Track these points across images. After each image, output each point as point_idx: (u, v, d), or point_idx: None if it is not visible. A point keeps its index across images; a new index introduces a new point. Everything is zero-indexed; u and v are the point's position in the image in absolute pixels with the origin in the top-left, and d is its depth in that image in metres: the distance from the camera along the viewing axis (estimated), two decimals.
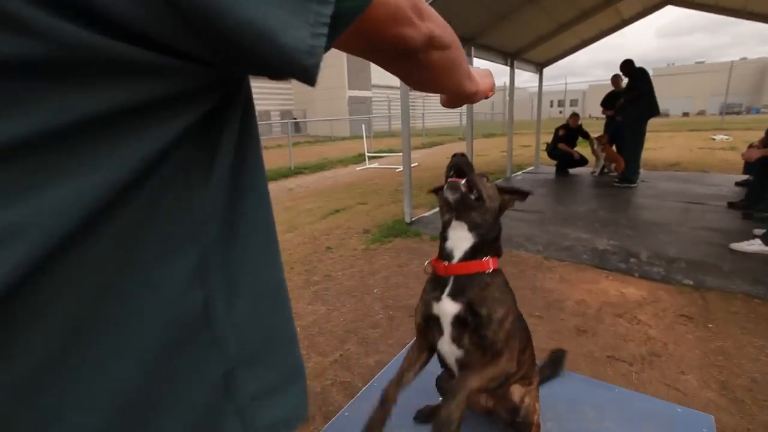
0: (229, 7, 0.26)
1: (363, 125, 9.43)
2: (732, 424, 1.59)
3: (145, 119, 0.28)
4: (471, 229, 0.96)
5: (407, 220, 4.24)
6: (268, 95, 22.92)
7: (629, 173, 5.54)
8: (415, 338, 1.04)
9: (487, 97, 0.88)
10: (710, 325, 2.25)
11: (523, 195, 1.09)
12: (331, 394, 1.86)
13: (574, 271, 2.99)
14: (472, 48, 4.91)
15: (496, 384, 0.95)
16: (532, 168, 7.37)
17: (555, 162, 6.77)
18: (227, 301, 0.37)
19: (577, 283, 2.81)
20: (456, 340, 0.93)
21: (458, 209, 0.96)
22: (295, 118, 22.58)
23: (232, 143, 0.37)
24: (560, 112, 34.76)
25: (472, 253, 0.95)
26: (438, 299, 0.94)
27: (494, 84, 0.87)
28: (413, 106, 26.89)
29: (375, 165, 9.18)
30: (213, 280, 0.36)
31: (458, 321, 0.92)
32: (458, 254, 0.95)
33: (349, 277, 3.13)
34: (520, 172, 6.89)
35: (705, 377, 1.85)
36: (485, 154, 10.71)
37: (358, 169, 9.12)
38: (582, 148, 6.84)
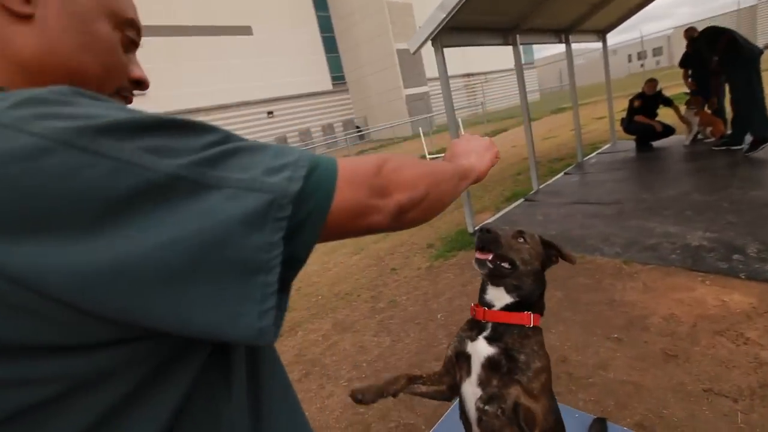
0: (179, 322, 0.30)
1: (420, 128, 9.33)
2: None
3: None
4: (509, 291, 0.96)
5: (470, 230, 4.12)
6: (328, 109, 23.80)
7: (738, 132, 4.73)
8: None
9: (493, 165, 0.85)
10: None
11: (568, 258, 1.06)
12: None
13: (661, 277, 2.65)
14: (518, 36, 4.58)
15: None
16: (608, 146, 6.67)
17: (634, 137, 6.05)
18: None
19: (664, 292, 2.49)
20: (483, 383, 0.90)
21: (491, 279, 0.97)
22: (358, 127, 23.18)
23: (243, 362, 0.44)
24: (641, 65, 30.85)
25: (515, 307, 0.95)
26: (473, 339, 0.94)
27: (497, 152, 0.83)
28: (473, 92, 26.01)
29: None
30: None
31: (490, 364, 0.90)
32: (498, 305, 0.96)
33: (413, 302, 3.13)
34: (593, 154, 6.28)
35: None
36: (553, 135, 9.95)
37: None
38: (667, 116, 6.01)
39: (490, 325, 0.93)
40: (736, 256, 2.61)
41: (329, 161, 0.40)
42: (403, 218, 0.47)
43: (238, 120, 19.95)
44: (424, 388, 0.99)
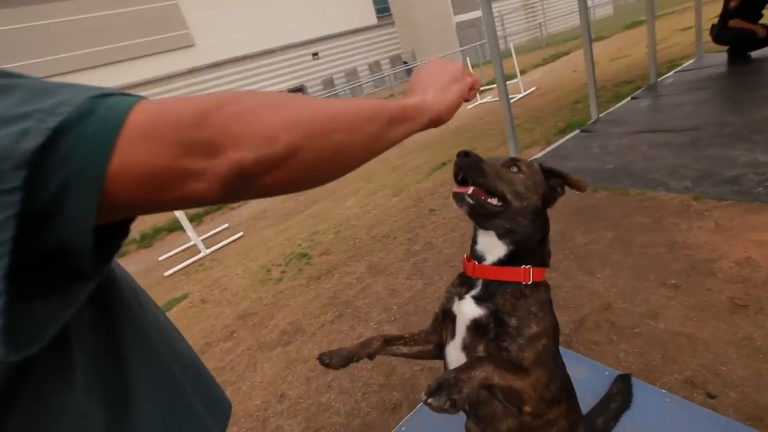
0: None
1: (467, 58, 8.55)
2: None
3: None
4: (501, 236, 0.79)
5: None
6: (374, 45, 22.66)
7: None
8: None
9: (467, 100, 0.66)
10: None
11: (576, 185, 0.86)
12: (419, 380, 1.87)
13: (740, 214, 2.25)
14: None
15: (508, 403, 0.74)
16: (691, 62, 5.66)
17: (726, 48, 5.04)
18: None
19: (741, 232, 2.12)
20: (467, 348, 0.78)
21: (475, 219, 0.80)
22: (405, 62, 22.02)
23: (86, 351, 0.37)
24: None
25: (509, 260, 0.78)
26: (461, 297, 0.81)
27: (470, 84, 0.63)
28: (532, 13, 23.25)
29: (487, 99, 8.37)
30: None
31: (476, 327, 0.77)
32: (490, 259, 0.79)
33: (449, 244, 3.01)
34: (671, 73, 5.36)
35: None
36: (624, 54, 8.68)
37: (469, 107, 8.47)
38: None
39: (480, 282, 0.78)
40: None
41: (116, 105, 0.28)
42: (250, 184, 0.33)
43: (283, 65, 19.72)
44: (405, 349, 0.88)
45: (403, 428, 1.26)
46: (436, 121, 0.56)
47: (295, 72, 20.08)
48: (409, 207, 4.03)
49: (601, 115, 4.45)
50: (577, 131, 4.23)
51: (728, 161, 2.73)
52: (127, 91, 0.32)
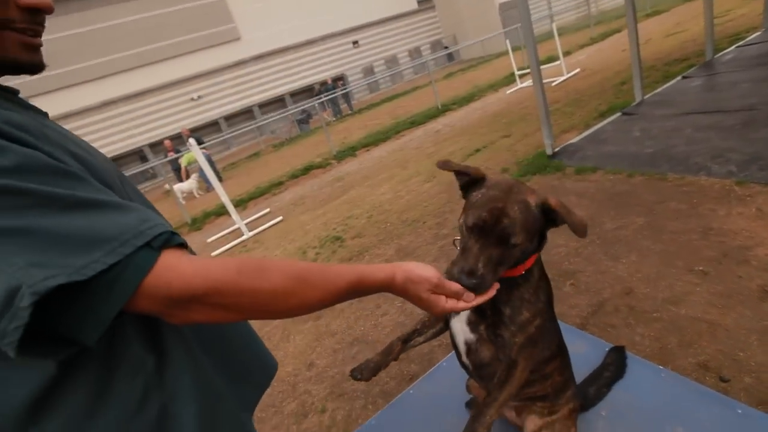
0: None
1: (507, 40, 8.28)
2: None
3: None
4: None
5: (548, 152, 3.72)
6: (414, 31, 22.36)
7: None
8: None
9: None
10: None
11: (576, 227, 0.69)
12: (436, 354, 1.97)
13: None
14: None
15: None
16: (755, 35, 5.17)
17: None
18: None
19: None
20: (472, 324, 0.86)
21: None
22: (446, 47, 21.56)
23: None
24: None
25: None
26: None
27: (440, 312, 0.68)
28: None
29: (527, 83, 8.09)
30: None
31: (476, 310, 0.83)
32: None
33: None
34: (730, 48, 4.94)
35: None
36: (681, 29, 8.03)
37: (508, 92, 8.25)
38: None
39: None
40: None
41: (142, 265, 0.44)
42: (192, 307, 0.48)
43: (325, 54, 19.99)
44: (421, 339, 0.97)
45: (411, 391, 1.37)
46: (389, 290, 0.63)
47: (336, 61, 20.30)
48: (441, 192, 4.08)
49: (646, 96, 4.22)
50: (618, 114, 4.06)
51: None
52: (163, 226, 0.47)
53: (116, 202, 0.47)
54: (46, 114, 0.62)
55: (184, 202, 8.90)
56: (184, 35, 16.02)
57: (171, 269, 0.46)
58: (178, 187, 9.10)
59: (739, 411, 0.95)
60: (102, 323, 0.43)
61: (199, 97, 16.80)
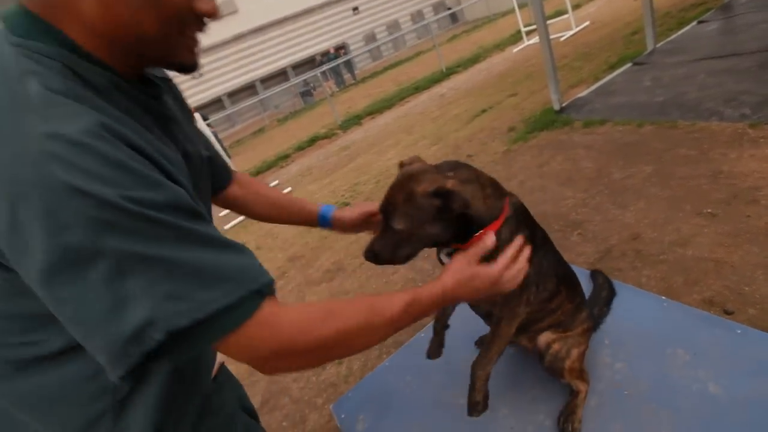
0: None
1: None
2: None
3: None
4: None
5: (556, 107, 3.65)
6: None
7: None
8: None
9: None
10: None
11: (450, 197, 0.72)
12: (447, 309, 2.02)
13: None
14: None
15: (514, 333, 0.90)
16: None
17: None
18: None
19: None
20: None
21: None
22: (449, 8, 20.78)
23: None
24: None
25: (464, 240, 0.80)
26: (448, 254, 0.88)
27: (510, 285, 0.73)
28: None
29: (534, 41, 7.81)
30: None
31: None
32: (446, 260, 0.86)
33: None
34: None
35: None
36: None
37: (515, 51, 8.00)
38: None
39: None
40: None
41: (238, 318, 0.47)
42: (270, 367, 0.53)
43: (324, 23, 19.45)
44: (444, 319, 1.12)
45: (422, 334, 1.43)
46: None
47: (336, 29, 19.78)
48: (447, 155, 4.05)
49: (658, 45, 4.07)
50: (629, 65, 3.93)
51: None
52: (269, 273, 0.51)
53: (233, 242, 0.51)
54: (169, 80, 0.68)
55: None
56: None
57: (268, 324, 0.50)
58: None
59: (738, 331, 0.98)
60: (189, 353, 0.47)
61: (201, 74, 16.64)
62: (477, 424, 0.94)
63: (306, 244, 3.50)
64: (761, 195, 1.84)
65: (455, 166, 0.79)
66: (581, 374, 0.95)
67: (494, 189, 0.81)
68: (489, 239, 0.73)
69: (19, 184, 0.40)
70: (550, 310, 0.95)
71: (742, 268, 1.54)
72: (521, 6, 8.44)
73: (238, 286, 0.47)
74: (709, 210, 1.88)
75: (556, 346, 0.93)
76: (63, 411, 0.57)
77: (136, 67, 0.55)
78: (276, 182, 6.00)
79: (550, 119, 3.58)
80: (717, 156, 2.22)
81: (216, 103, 16.98)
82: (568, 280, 0.99)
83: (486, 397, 0.88)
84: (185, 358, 0.47)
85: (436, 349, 1.14)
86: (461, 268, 0.69)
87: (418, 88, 8.42)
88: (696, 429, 0.82)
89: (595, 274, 1.19)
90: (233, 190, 0.91)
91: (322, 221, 0.97)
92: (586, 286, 1.18)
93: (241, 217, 4.94)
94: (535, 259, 0.87)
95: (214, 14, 0.53)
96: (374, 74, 15.30)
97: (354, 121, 7.97)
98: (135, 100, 0.54)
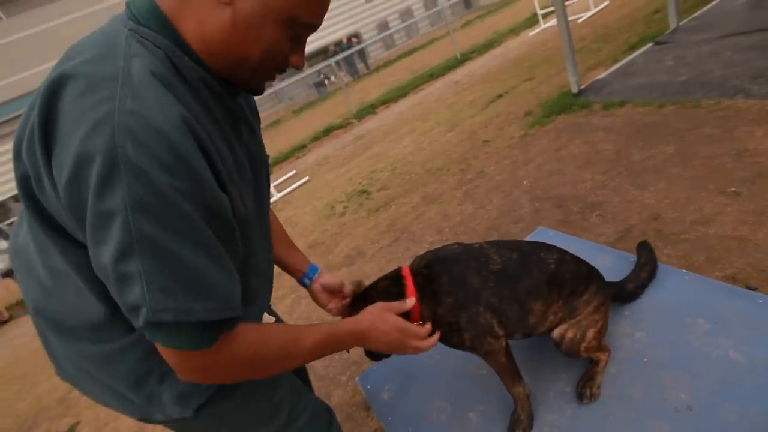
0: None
1: None
2: None
3: None
4: None
5: (573, 90, 3.60)
6: None
7: None
8: None
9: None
10: None
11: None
12: None
13: None
14: None
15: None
16: None
17: None
18: None
19: None
20: None
21: None
22: None
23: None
24: None
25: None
26: None
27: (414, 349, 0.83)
28: None
29: (551, 23, 7.64)
30: None
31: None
32: None
33: (500, 171, 3.06)
34: None
35: None
36: None
37: (531, 34, 7.84)
38: None
39: None
40: None
41: (201, 337, 0.55)
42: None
43: (337, 12, 19.32)
44: None
45: None
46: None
47: (348, 18, 19.63)
48: (463, 141, 4.05)
49: (681, 23, 3.95)
50: (650, 45, 3.84)
51: None
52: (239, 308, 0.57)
53: (230, 265, 0.57)
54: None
55: None
56: None
57: (218, 351, 0.57)
58: None
59: (760, 301, 0.99)
60: (161, 340, 0.53)
61: None
62: (498, 393, 0.99)
63: (325, 231, 3.57)
64: None
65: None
66: (599, 347, 0.98)
67: (386, 291, 0.95)
68: (409, 302, 0.87)
69: (91, 145, 0.45)
70: (536, 321, 0.97)
71: (767, 245, 1.53)
72: None
73: (224, 309, 0.53)
74: (733, 189, 1.86)
75: (569, 335, 0.96)
76: (121, 368, 0.64)
77: (223, 76, 0.61)
78: (294, 172, 6.08)
79: (568, 102, 3.54)
80: (742, 134, 2.18)
81: None
82: (549, 287, 0.97)
83: (531, 417, 0.97)
84: (152, 336, 0.53)
85: None
86: (376, 310, 0.80)
87: (433, 75, 8.35)
88: (716, 393, 0.85)
89: (640, 250, 1.20)
90: None
91: (309, 274, 1.02)
92: (618, 266, 1.20)
93: None
94: (482, 302, 0.90)
95: (299, 67, 0.62)
96: (388, 63, 15.18)
97: (368, 110, 7.97)
98: (217, 96, 0.60)
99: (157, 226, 0.46)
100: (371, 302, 0.83)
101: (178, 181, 0.46)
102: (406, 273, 0.93)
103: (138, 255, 0.46)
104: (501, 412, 1.01)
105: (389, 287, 0.92)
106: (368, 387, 1.30)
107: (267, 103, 16.40)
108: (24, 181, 0.52)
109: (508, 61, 6.54)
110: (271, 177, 6.67)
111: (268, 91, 12.57)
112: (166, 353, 0.55)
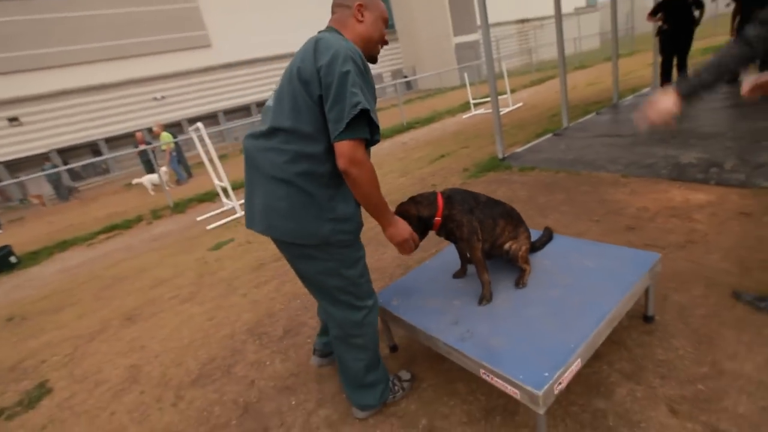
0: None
1: (465, 74, 9.72)
2: (731, 281, 2.04)
3: None
4: None
5: (500, 156, 4.84)
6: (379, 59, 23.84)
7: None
8: None
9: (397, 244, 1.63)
10: (766, 219, 2.50)
11: None
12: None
13: (647, 185, 3.32)
14: None
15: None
16: (647, 89, 6.88)
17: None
18: None
19: (645, 194, 3.17)
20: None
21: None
22: (405, 76, 23.24)
23: None
24: (726, 5, 27.32)
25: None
26: None
27: (402, 246, 1.58)
28: (525, 39, 24.79)
29: (480, 111, 9.52)
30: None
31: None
32: None
33: None
34: (630, 96, 6.55)
35: (729, 255, 2.22)
36: (599, 81, 9.96)
37: (464, 117, 9.59)
38: None
39: None
40: (713, 170, 3.21)
41: (354, 131, 1.27)
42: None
43: None
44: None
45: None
46: (385, 230, 1.51)
47: None
48: (414, 183, 5.02)
49: (570, 124, 5.56)
50: (550, 135, 5.33)
51: (650, 154, 3.82)
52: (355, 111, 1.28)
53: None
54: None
55: (153, 193, 9.08)
56: (155, 35, 16.09)
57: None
58: (149, 178, 9.26)
59: (613, 250, 1.92)
60: (353, 130, 1.25)
61: (163, 97, 16.75)
62: (471, 286, 1.76)
63: None
64: (625, 211, 2.97)
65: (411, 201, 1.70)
66: (526, 260, 1.81)
67: (427, 201, 1.69)
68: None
69: (349, 51, 1.25)
70: (499, 233, 1.81)
71: (610, 240, 2.58)
72: (471, 84, 10.26)
73: (378, 127, 1.31)
74: (596, 218, 2.97)
75: (513, 246, 1.79)
76: (321, 183, 1.33)
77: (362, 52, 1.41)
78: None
79: (495, 164, 4.75)
80: (603, 191, 3.40)
81: (175, 127, 17.01)
82: (505, 215, 1.83)
83: (490, 294, 1.70)
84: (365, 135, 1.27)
85: (460, 273, 1.93)
86: (402, 221, 1.52)
87: (383, 135, 9.62)
88: (580, 278, 1.71)
89: (545, 230, 2.12)
90: None
91: None
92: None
93: (223, 220, 5.40)
94: (474, 216, 1.76)
95: (386, 42, 1.50)
96: None
97: None
98: (363, 59, 1.37)
99: (361, 78, 1.24)
100: (417, 202, 1.62)
101: (361, 67, 1.27)
102: (437, 192, 1.70)
103: (358, 84, 1.23)
104: (475, 299, 1.77)
105: (429, 195, 1.68)
106: (381, 299, 1.96)
107: (211, 139, 16.47)
108: (299, 73, 1.27)
109: (448, 134, 7.99)
110: (220, 204, 6.87)
111: (212, 129, 13.08)
112: (348, 145, 1.23)
